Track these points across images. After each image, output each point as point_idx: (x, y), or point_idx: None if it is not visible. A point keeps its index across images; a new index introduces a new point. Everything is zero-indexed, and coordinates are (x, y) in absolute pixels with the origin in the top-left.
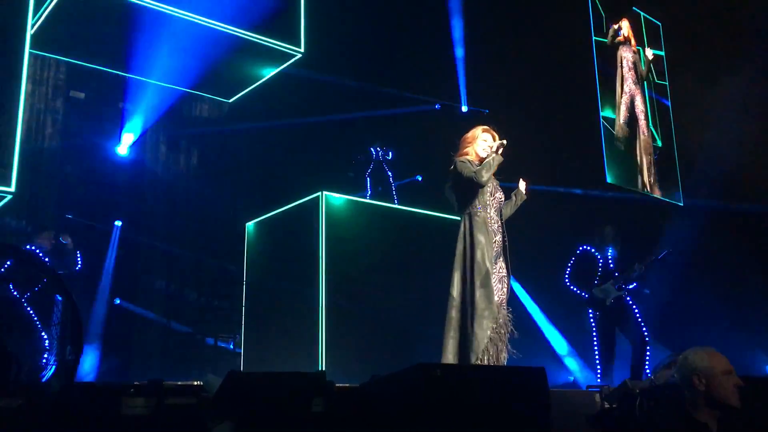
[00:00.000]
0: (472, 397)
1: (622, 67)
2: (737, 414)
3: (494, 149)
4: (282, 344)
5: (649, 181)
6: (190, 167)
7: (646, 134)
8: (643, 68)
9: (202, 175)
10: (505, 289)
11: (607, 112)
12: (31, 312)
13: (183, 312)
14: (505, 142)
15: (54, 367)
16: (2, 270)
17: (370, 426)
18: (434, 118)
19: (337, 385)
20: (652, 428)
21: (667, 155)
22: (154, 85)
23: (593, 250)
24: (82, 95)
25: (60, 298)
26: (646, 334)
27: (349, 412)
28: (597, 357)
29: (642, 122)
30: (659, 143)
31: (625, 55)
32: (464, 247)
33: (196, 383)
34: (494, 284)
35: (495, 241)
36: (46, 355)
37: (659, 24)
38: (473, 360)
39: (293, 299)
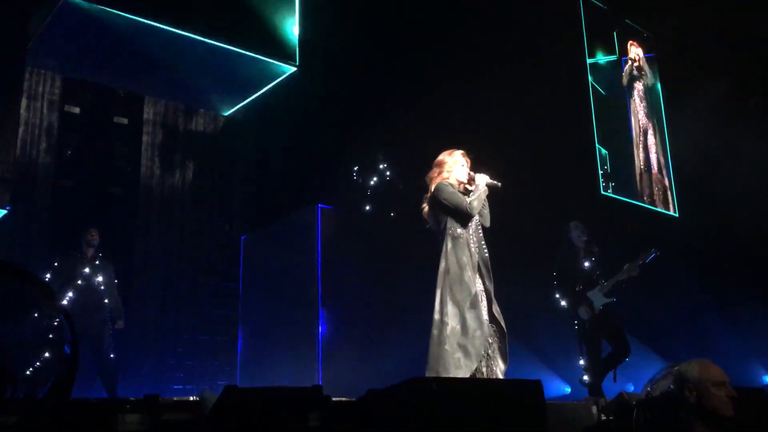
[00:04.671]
0: (469, 411)
1: (633, 99)
2: (732, 425)
3: (488, 184)
4: (278, 359)
5: (646, 193)
6: (185, 180)
7: (656, 170)
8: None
9: (197, 188)
10: (486, 303)
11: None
12: (27, 328)
13: (178, 326)
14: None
15: (50, 383)
16: None
17: None
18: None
19: (333, 399)
20: None
21: (661, 166)
22: None
23: (572, 251)
24: (77, 110)
25: (56, 314)
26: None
27: (346, 426)
28: (584, 367)
29: (653, 156)
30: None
31: (636, 86)
32: (447, 267)
33: (192, 398)
34: (481, 303)
35: (476, 260)
36: (42, 372)
37: (651, 36)
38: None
39: (289, 313)
